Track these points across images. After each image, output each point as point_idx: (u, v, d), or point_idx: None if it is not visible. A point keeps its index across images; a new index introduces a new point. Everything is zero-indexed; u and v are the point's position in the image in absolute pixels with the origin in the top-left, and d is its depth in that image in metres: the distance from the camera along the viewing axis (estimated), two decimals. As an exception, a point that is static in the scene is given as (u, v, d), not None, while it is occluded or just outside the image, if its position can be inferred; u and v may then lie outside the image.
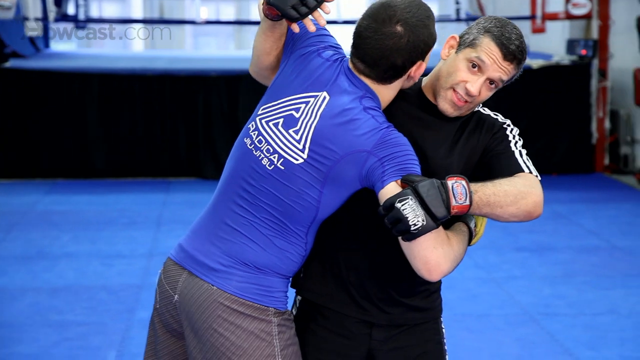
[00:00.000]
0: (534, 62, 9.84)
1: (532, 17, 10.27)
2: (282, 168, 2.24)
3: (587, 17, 9.90)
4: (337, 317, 2.40)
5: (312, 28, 2.25)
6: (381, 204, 2.13)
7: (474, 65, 2.27)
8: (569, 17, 9.91)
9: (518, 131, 2.39)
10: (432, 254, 2.13)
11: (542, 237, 7.03)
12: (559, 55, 10.24)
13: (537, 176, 2.28)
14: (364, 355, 2.41)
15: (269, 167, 2.25)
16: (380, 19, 2.21)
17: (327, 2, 2.26)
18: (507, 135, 2.35)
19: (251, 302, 2.28)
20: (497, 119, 2.39)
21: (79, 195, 8.63)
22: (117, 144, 9.39)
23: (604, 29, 9.90)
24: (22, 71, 9.43)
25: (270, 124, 2.28)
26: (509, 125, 2.38)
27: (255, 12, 19.03)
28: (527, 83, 9.68)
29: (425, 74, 2.37)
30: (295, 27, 2.25)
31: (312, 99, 2.26)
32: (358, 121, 2.19)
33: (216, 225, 2.32)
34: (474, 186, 2.16)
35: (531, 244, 6.84)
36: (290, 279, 2.36)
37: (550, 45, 10.99)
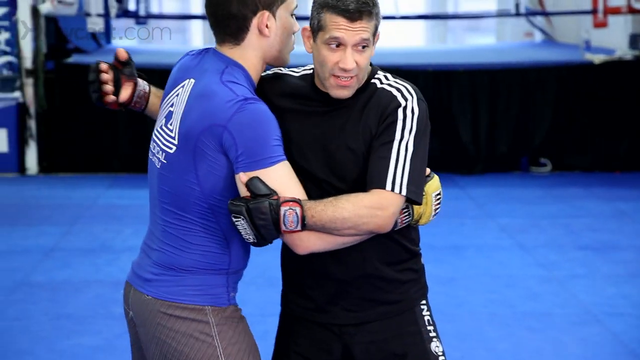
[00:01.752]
0: (595, 57, 9.70)
1: (594, 12, 10.12)
2: (165, 162, 2.27)
3: (651, 11, 9.72)
4: (310, 324, 2.38)
5: (111, 98, 2.48)
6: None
7: (334, 44, 2.21)
8: (632, 10, 9.74)
9: (417, 114, 2.25)
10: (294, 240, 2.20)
11: (605, 236, 6.93)
12: (622, 50, 10.08)
13: (399, 192, 2.19)
14: (341, 352, 2.38)
15: (158, 166, 2.29)
16: None
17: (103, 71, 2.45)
18: (396, 128, 2.24)
19: (185, 304, 2.26)
20: (396, 97, 2.27)
21: (140, 189, 8.72)
22: (177, 138, 9.45)
23: (669, 24, 9.72)
24: (84, 66, 9.55)
25: (157, 128, 2.34)
26: (405, 108, 2.26)
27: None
28: (589, 79, 9.55)
29: None
30: (114, 105, 2.47)
31: (181, 89, 2.30)
32: (214, 95, 2.19)
33: (149, 238, 2.37)
34: (312, 209, 2.14)
35: (594, 242, 6.74)
36: (232, 272, 2.31)
37: (613, 40, 10.81)
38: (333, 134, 2.28)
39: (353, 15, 2.19)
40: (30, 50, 9.35)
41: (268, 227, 2.12)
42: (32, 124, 9.33)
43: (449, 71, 9.54)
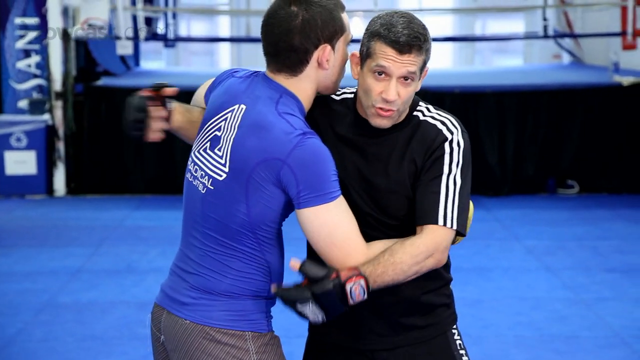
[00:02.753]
0: (624, 79, 9.65)
1: (623, 34, 10.08)
2: (212, 188, 2.23)
3: (680, 33, 9.67)
4: (341, 350, 2.38)
5: (154, 137, 2.40)
6: (298, 221, 2.18)
7: (379, 73, 2.21)
8: (661, 33, 9.70)
9: (463, 147, 2.27)
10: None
11: (633, 258, 6.86)
12: (651, 72, 10.02)
13: (450, 226, 2.21)
14: None
15: (202, 191, 2.25)
16: (276, 4, 2.23)
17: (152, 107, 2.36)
18: (444, 161, 2.26)
19: (225, 329, 2.24)
20: (441, 131, 2.28)
21: (166, 211, 8.77)
22: (204, 160, 9.49)
23: (698, 45, 9.66)
24: (113, 89, 9.64)
25: (201, 151, 2.29)
26: (452, 142, 2.28)
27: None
28: (617, 101, 9.50)
29: None
30: (147, 138, 2.39)
31: (229, 114, 2.25)
32: (271, 127, 2.16)
33: (183, 261, 2.33)
34: (373, 275, 2.16)
35: (622, 264, 6.68)
36: (271, 298, 2.30)
37: (642, 61, 10.76)
38: (377, 166, 2.28)
39: (402, 48, 2.20)
40: (60, 73, 9.45)
41: (336, 306, 2.15)
42: (60, 146, 9.42)
43: (477, 93, 9.52)
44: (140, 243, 7.39)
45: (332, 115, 2.34)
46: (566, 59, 14.60)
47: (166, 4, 13.59)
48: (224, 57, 19.37)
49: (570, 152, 9.50)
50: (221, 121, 2.26)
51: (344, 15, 2.26)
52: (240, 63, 18.35)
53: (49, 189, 9.47)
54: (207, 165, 2.25)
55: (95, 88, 9.64)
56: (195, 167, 2.30)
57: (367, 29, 2.26)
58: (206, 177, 2.25)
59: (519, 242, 7.30)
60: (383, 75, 2.21)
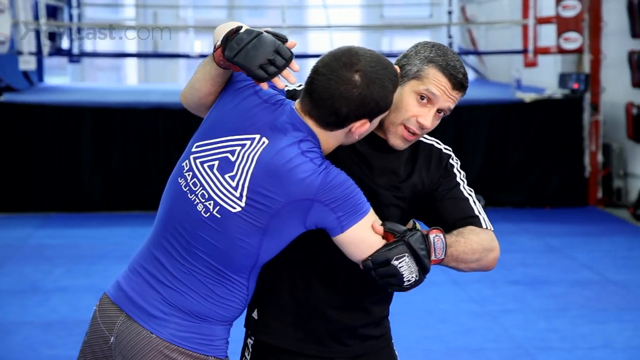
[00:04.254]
0: (526, 96, 9.89)
1: (524, 51, 10.34)
2: (219, 216, 2.16)
3: (579, 51, 9.96)
4: (296, 357, 2.37)
5: (281, 85, 2.18)
6: (343, 247, 2.16)
7: (422, 97, 2.23)
8: (561, 51, 9.98)
9: (459, 163, 2.39)
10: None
11: (536, 271, 7.03)
12: (551, 89, 10.30)
13: (491, 229, 2.30)
14: None
15: (204, 214, 2.17)
16: (342, 61, 2.13)
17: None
18: (455, 173, 2.36)
19: (191, 351, 2.22)
20: (441, 150, 2.38)
21: (72, 229, 8.61)
22: (110, 177, 9.38)
23: (596, 63, 9.97)
24: (15, 105, 9.44)
25: (205, 165, 2.20)
26: (453, 158, 2.38)
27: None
28: (519, 117, 9.73)
29: None
30: (265, 85, 2.17)
31: (248, 142, 2.16)
32: (296, 166, 2.11)
33: (155, 268, 2.25)
34: (449, 239, 2.19)
35: (525, 277, 6.83)
36: (231, 323, 2.30)
37: (543, 79, 11.05)
38: (382, 179, 2.30)
39: (457, 84, 2.24)
40: (-40, 88, 9.21)
41: (427, 257, 2.12)
42: (-39, 163, 9.16)
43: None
44: (44, 262, 7.24)
45: None
46: (471, 75, 14.90)
47: (70, 19, 13.37)
48: (131, 73, 19.17)
49: (475, 167, 9.68)
50: (236, 145, 2.18)
51: (394, 92, 2.19)
52: (148, 78, 18.19)
53: (-51, 208, 9.20)
54: (214, 190, 2.17)
55: (-3, 104, 9.41)
56: (195, 180, 2.20)
57: (417, 52, 2.26)
58: (211, 202, 2.17)
59: (426, 257, 7.37)
60: (426, 101, 2.24)
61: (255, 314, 2.39)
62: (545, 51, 10.18)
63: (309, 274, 2.33)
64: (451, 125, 9.64)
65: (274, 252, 2.21)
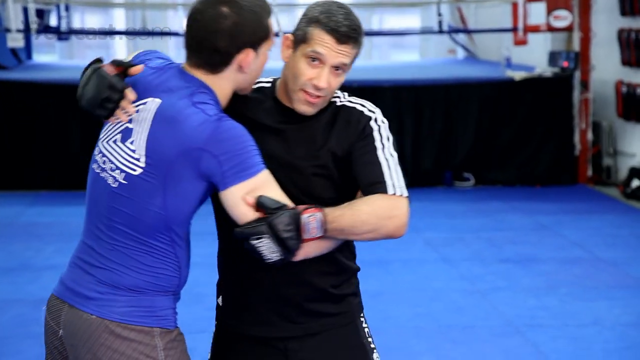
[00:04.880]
0: (516, 74, 9.89)
1: (514, 29, 10.33)
2: (125, 183, 2.18)
3: (569, 29, 9.96)
4: (252, 340, 2.37)
5: (125, 118, 2.21)
6: (225, 207, 2.15)
7: (313, 59, 2.23)
8: (551, 29, 9.97)
9: (387, 125, 2.33)
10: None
11: (526, 249, 7.05)
12: (541, 67, 10.31)
13: (402, 194, 2.23)
14: None
15: (114, 185, 2.20)
16: (209, 2, 2.20)
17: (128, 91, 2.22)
18: (374, 137, 2.29)
19: (133, 325, 2.20)
20: (363, 112, 2.33)
21: (62, 207, 8.59)
22: (100, 155, 9.34)
23: (586, 41, 9.97)
24: (4, 83, 9.39)
25: (110, 142, 2.24)
26: (376, 120, 2.32)
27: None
28: (509, 95, 9.73)
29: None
30: (113, 120, 2.23)
31: (142, 106, 2.21)
32: (187, 117, 2.13)
33: (87, 253, 2.27)
34: (331, 215, 2.16)
35: (515, 255, 6.86)
36: (177, 293, 2.29)
37: (533, 57, 11.05)
38: (299, 151, 2.28)
39: (341, 38, 2.22)
40: (-52, 65, 9.15)
41: (294, 238, 2.10)
42: (-51, 141, 9.12)
43: (374, 87, 9.62)
44: (35, 240, 7.23)
45: (248, 104, 2.32)
46: (461, 54, 14.89)
47: (59, -5, 13.26)
48: (120, 50, 19.06)
49: (466, 146, 9.69)
50: (132, 111, 2.22)
51: (270, 21, 2.25)
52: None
53: (-62, 186, 9.16)
54: (119, 159, 2.20)
55: (-15, 81, 9.36)
56: (104, 158, 2.24)
57: (305, 14, 2.27)
58: (117, 171, 2.20)
59: (417, 235, 7.41)
60: (317, 62, 2.23)
61: (220, 300, 2.42)
62: (535, 29, 10.17)
63: (243, 254, 2.25)
64: (441, 103, 9.65)
65: (182, 210, 2.18)
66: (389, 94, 9.59)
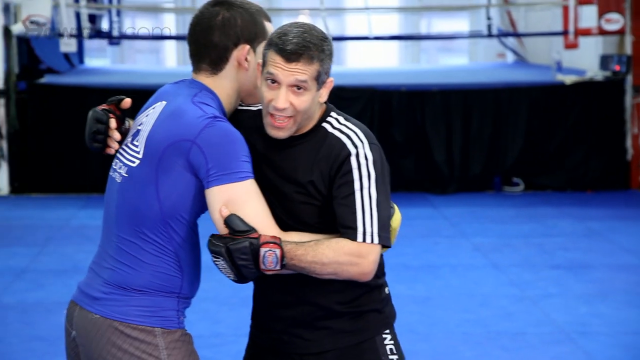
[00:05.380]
0: (566, 78, 9.80)
1: (565, 33, 10.23)
2: (127, 176, 2.27)
3: (621, 32, 9.84)
4: (270, 353, 2.40)
5: (115, 146, 2.35)
6: (207, 203, 2.20)
7: (272, 82, 2.22)
8: (602, 32, 9.86)
9: (371, 159, 2.24)
10: None
11: (577, 255, 6.98)
12: (593, 71, 10.19)
13: (371, 241, 2.20)
14: None
15: (119, 181, 2.30)
16: (203, 7, 2.32)
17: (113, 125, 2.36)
18: (353, 176, 2.23)
19: (135, 324, 2.25)
20: (345, 145, 2.25)
21: (112, 210, 8.68)
22: (150, 159, 9.44)
23: (638, 45, 9.84)
24: (56, 87, 9.52)
25: (123, 145, 2.36)
26: (358, 156, 2.24)
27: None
28: (560, 99, 9.64)
29: None
30: (111, 151, 2.37)
31: (151, 111, 2.31)
32: (184, 113, 2.21)
33: (100, 256, 2.34)
34: (292, 252, 2.17)
35: (566, 261, 6.78)
36: (183, 297, 2.31)
37: (584, 61, 10.93)
38: (286, 178, 2.29)
39: (290, 56, 2.19)
40: (2, 71, 9.30)
41: (249, 267, 2.14)
42: (3, 144, 9.28)
43: (423, 91, 9.59)
44: (87, 242, 7.31)
45: (250, 124, 2.35)
46: (510, 57, 14.78)
47: (110, 1, 13.45)
48: (170, 55, 19.23)
49: (515, 150, 9.61)
50: (143, 117, 2.33)
51: (268, 24, 2.33)
52: (186, 61, 18.24)
53: (-8, 188, 9.32)
54: (125, 157, 2.31)
55: (38, 86, 9.51)
56: (116, 160, 2.36)
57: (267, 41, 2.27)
58: (123, 167, 2.30)
59: (466, 240, 7.37)
60: (275, 84, 2.22)
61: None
62: (586, 32, 10.06)
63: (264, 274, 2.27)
64: (490, 107, 9.59)
65: (176, 202, 2.22)
66: (438, 98, 9.55)
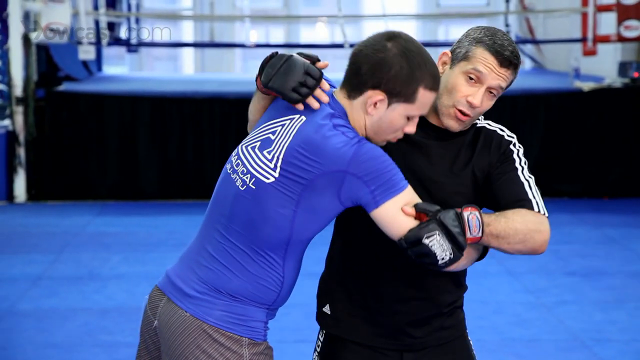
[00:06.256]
0: (585, 85, 9.75)
1: (584, 40, 10.18)
2: (254, 187, 2.20)
3: (639, 39, 9.79)
4: (366, 350, 2.39)
5: (316, 105, 2.21)
6: (379, 224, 2.15)
7: (471, 78, 2.25)
8: (621, 39, 9.81)
9: (523, 150, 2.38)
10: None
11: (593, 262, 6.94)
12: (611, 77, 10.14)
13: (544, 213, 2.26)
14: None
15: (241, 188, 2.23)
16: (382, 33, 2.22)
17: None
18: (514, 159, 2.34)
19: (223, 330, 2.23)
20: (503, 135, 2.38)
21: (129, 217, 8.72)
22: (167, 166, 9.48)
23: (657, 51, 9.79)
24: (75, 94, 9.57)
25: (249, 147, 2.27)
26: (515, 144, 2.36)
27: (305, 35, 19.13)
28: (578, 106, 9.60)
29: None
30: (300, 106, 2.23)
31: (287, 121, 2.23)
32: (329, 137, 2.14)
33: (198, 252, 2.30)
34: (487, 218, 2.17)
35: (582, 268, 6.74)
36: (272, 309, 2.30)
37: (602, 67, 10.88)
38: (442, 168, 2.32)
39: (504, 61, 2.25)
40: (21, 78, 9.36)
41: (461, 234, 2.11)
42: (21, 152, 9.33)
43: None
44: (102, 249, 7.34)
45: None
46: (528, 64, 14.73)
47: (129, 8, 13.52)
48: (188, 63, 19.30)
49: (532, 157, 9.57)
50: (278, 126, 2.24)
51: (424, 93, 2.18)
52: (204, 68, 18.32)
53: (9, 195, 9.37)
54: (252, 164, 2.23)
55: (56, 93, 9.55)
56: (238, 160, 2.27)
57: (467, 35, 2.30)
58: (248, 175, 2.22)
59: (481, 247, 7.32)
60: (474, 81, 2.26)
61: (327, 309, 2.43)
62: (605, 39, 10.02)
63: (376, 267, 2.34)
64: (508, 114, 9.55)
65: (309, 228, 2.20)
66: (455, 105, 9.52)
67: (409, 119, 2.21)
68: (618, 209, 9.05)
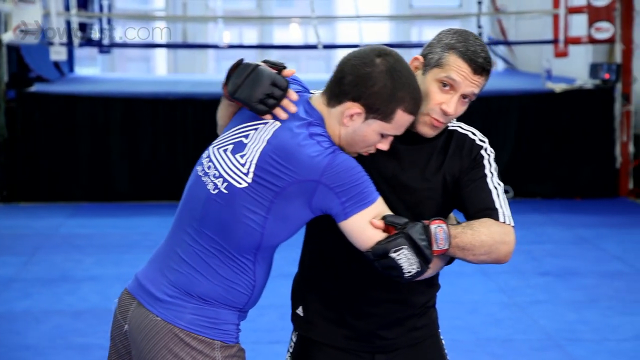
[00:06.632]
0: (556, 86, 9.82)
1: (555, 41, 10.25)
2: (226, 192, 2.19)
3: (610, 41, 9.87)
4: (338, 352, 2.39)
5: (283, 116, 2.20)
6: (347, 235, 2.16)
7: (444, 85, 2.24)
8: (592, 41, 9.89)
9: (494, 155, 2.37)
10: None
11: (566, 262, 6.98)
12: (582, 79, 10.22)
13: (510, 223, 2.26)
14: None
15: (213, 192, 2.21)
16: (374, 47, 2.21)
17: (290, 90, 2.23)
18: (484, 165, 2.33)
19: (195, 334, 2.22)
20: (474, 140, 2.36)
21: (102, 219, 8.67)
22: (140, 167, 9.44)
23: (628, 53, 9.87)
24: (46, 95, 9.50)
25: (220, 150, 2.26)
26: (486, 150, 2.35)
27: (278, 36, 19.12)
28: (550, 107, 9.66)
29: None
30: (268, 116, 2.21)
31: (261, 125, 2.22)
32: (304, 146, 2.14)
33: (168, 255, 2.29)
34: (454, 230, 2.17)
35: (555, 268, 6.79)
36: (243, 312, 2.30)
37: (573, 69, 10.96)
38: (414, 172, 2.31)
39: (478, 68, 2.23)
40: (-8, 79, 9.28)
41: (428, 248, 2.12)
42: (-8, 153, 9.25)
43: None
44: (75, 251, 7.29)
45: None
46: (500, 66, 14.81)
47: (101, 9, 13.44)
48: (161, 64, 19.24)
49: (505, 158, 9.62)
50: (251, 129, 2.23)
51: (401, 114, 2.17)
52: (177, 69, 18.26)
53: (-19, 197, 9.29)
54: (224, 168, 2.21)
55: (28, 94, 9.49)
56: (210, 163, 2.26)
57: (439, 40, 2.27)
58: (220, 179, 2.21)
59: (455, 247, 7.35)
60: (448, 88, 2.24)
61: (299, 311, 2.43)
62: (576, 41, 10.09)
63: (348, 270, 2.34)
64: (480, 115, 9.60)
65: (279, 235, 2.20)
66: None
67: (383, 136, 2.21)
68: (590, 209, 9.12)
